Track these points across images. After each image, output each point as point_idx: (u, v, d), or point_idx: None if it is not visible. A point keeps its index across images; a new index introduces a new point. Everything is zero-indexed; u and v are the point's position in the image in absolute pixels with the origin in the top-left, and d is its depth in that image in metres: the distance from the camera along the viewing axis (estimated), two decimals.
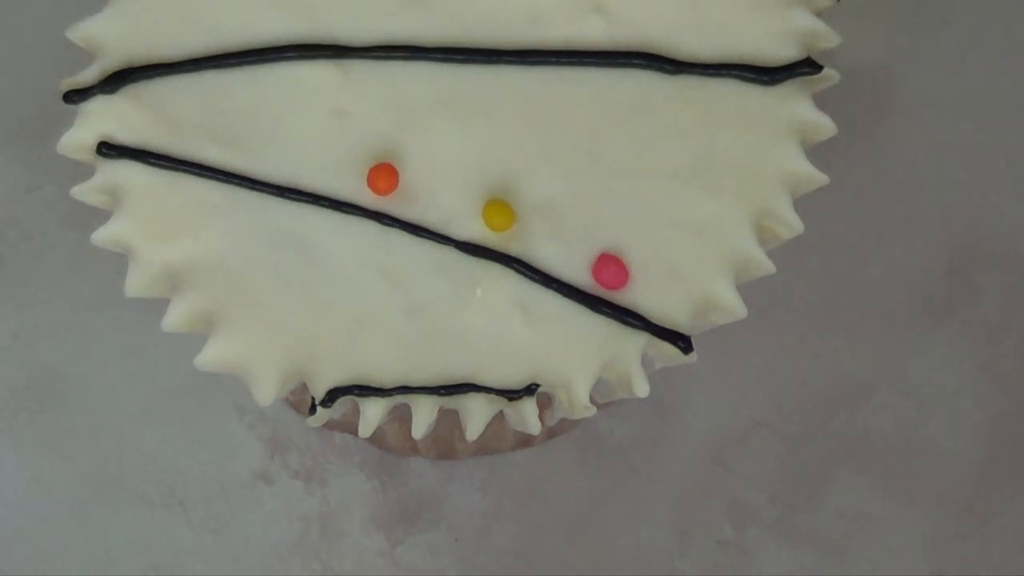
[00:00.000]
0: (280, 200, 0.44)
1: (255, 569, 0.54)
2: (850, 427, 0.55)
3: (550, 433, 0.54)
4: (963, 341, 0.56)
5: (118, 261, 0.45)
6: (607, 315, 0.44)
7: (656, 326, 0.44)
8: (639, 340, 0.44)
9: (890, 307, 0.56)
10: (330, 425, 0.53)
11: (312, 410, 0.44)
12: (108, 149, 0.44)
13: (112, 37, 0.45)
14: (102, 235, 0.44)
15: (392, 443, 0.54)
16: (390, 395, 0.44)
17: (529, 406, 0.44)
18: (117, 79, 0.44)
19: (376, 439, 0.54)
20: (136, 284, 0.44)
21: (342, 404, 0.45)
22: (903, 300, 0.56)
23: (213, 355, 0.44)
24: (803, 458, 0.55)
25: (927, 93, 0.57)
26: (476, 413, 0.44)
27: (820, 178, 0.45)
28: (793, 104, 0.45)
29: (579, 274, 0.44)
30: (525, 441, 0.54)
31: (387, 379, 0.44)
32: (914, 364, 0.56)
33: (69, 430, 0.55)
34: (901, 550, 0.54)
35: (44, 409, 0.55)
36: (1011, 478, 0.55)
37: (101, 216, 0.45)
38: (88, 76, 0.45)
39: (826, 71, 0.45)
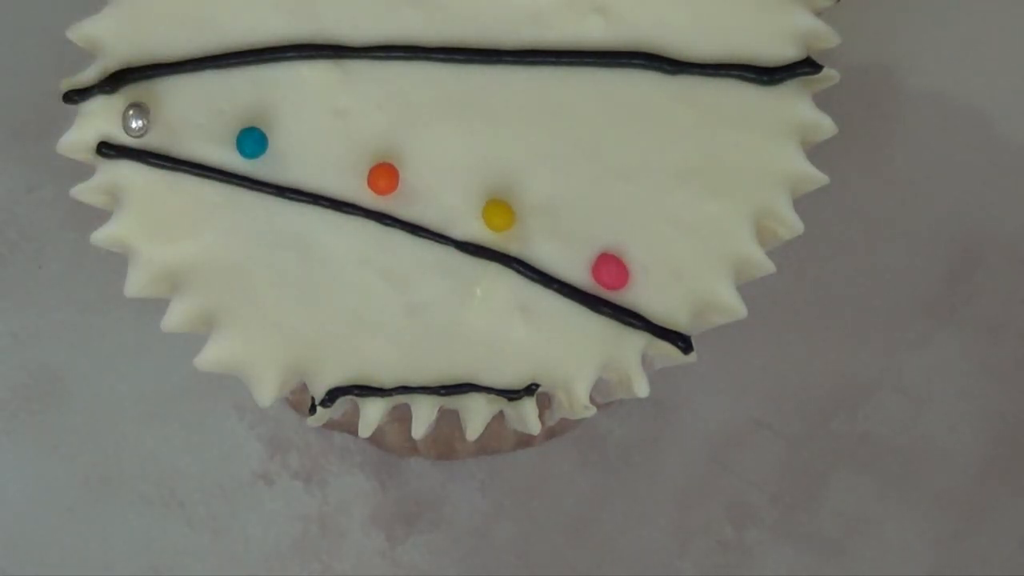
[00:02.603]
0: (280, 200, 0.44)
1: (255, 569, 0.54)
2: (850, 427, 0.55)
3: (550, 433, 0.54)
4: (963, 341, 0.56)
5: (118, 261, 0.45)
6: (607, 315, 0.44)
7: (656, 326, 0.44)
8: (639, 340, 0.44)
9: (890, 307, 0.56)
10: (330, 425, 0.53)
11: (312, 410, 0.44)
12: (108, 149, 0.44)
13: (112, 37, 0.45)
14: (102, 235, 0.44)
15: (392, 443, 0.54)
16: (390, 395, 0.44)
17: (529, 406, 0.44)
18: (117, 79, 0.44)
19: (376, 439, 0.54)
20: (136, 284, 0.44)
21: (342, 404, 0.45)
22: (903, 300, 0.56)
23: (213, 355, 0.44)
24: (803, 458, 0.55)
25: (927, 93, 0.57)
26: (476, 413, 0.44)
27: (820, 178, 0.45)
28: (793, 104, 0.45)
29: (579, 274, 0.44)
30: (525, 441, 0.54)
31: (387, 379, 0.44)
32: (914, 364, 0.56)
33: (69, 430, 0.55)
34: (901, 550, 0.54)
35: (44, 409, 0.55)
36: (1011, 478, 0.55)
37: (101, 216, 0.45)
38: (88, 76, 0.45)
39: (826, 71, 0.45)
